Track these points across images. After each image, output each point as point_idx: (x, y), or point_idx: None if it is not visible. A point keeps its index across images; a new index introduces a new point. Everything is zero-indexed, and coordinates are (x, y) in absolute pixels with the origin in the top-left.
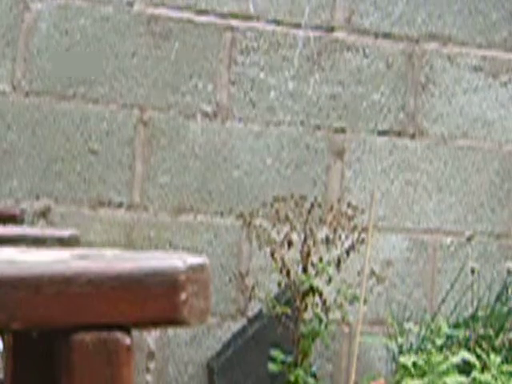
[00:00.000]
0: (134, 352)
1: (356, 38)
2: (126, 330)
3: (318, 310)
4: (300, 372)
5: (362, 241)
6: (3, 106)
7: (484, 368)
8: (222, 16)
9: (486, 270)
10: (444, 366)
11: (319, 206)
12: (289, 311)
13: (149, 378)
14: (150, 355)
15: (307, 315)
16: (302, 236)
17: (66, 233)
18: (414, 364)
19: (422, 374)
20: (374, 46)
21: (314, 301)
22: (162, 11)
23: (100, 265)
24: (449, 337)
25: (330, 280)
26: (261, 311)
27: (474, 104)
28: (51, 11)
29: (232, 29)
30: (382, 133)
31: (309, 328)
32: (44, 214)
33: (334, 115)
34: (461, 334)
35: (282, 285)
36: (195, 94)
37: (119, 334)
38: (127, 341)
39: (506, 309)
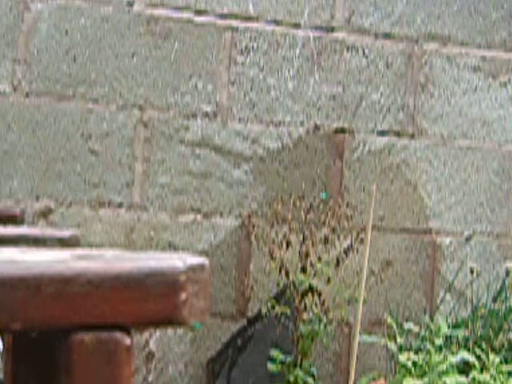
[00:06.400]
0: (134, 352)
1: (356, 38)
2: (126, 330)
3: (318, 310)
4: (299, 372)
5: (361, 241)
6: (3, 107)
7: (483, 368)
8: (222, 16)
9: (485, 269)
10: (443, 366)
11: (318, 206)
12: (288, 311)
13: (149, 378)
14: (150, 355)
15: (306, 315)
16: (301, 236)
17: (66, 233)
18: (414, 364)
19: (422, 374)
20: (374, 46)
21: (313, 301)
22: (161, 11)
23: (100, 265)
24: (448, 337)
25: (329, 280)
26: (260, 311)
27: (473, 104)
28: (51, 11)
29: (232, 29)
30: (382, 133)
31: (308, 328)
32: (44, 214)
33: (333, 115)
34: (460, 334)
35: (281, 285)
36: (195, 94)
37: (119, 335)
38: (127, 341)
39: (504, 309)
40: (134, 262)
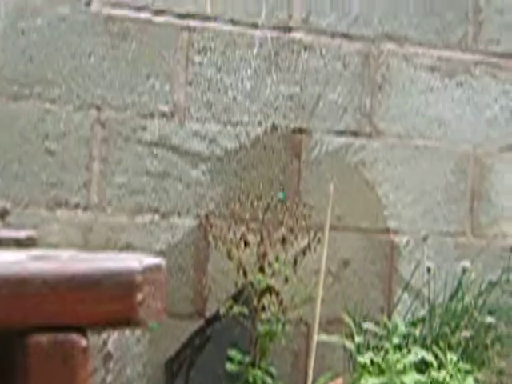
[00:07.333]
0: (92, 353)
1: (313, 39)
2: (82, 331)
3: (276, 310)
4: (258, 372)
5: (319, 240)
6: None
7: (440, 366)
8: (179, 16)
9: (441, 268)
10: (401, 365)
11: (276, 206)
12: (246, 311)
13: (107, 379)
14: (108, 356)
15: (265, 315)
16: (259, 236)
17: (22, 234)
18: (372, 363)
19: (380, 373)
20: (331, 47)
21: (271, 301)
22: (119, 11)
23: (56, 266)
24: (405, 335)
25: (286, 280)
26: (218, 311)
27: (430, 104)
28: (7, 11)
29: (189, 29)
30: (339, 133)
31: (266, 328)
32: (1, 215)
33: (291, 115)
34: (417, 332)
35: (240, 285)
36: (152, 94)
37: (75, 336)
38: (83, 342)
39: (461, 307)
40: (90, 263)
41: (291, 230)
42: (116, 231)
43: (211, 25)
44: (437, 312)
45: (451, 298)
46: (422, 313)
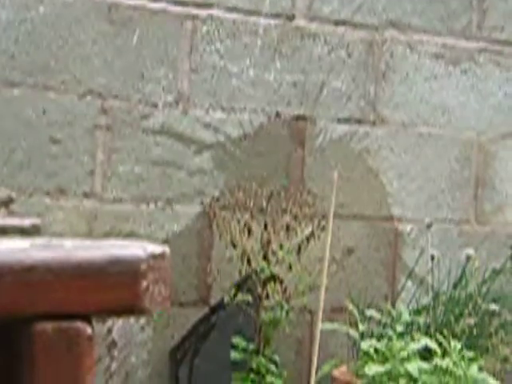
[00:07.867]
0: (96, 341)
1: (317, 26)
2: (87, 319)
3: (280, 298)
4: (262, 359)
5: (323, 228)
6: None
7: (444, 354)
8: (183, 4)
9: (446, 256)
10: (405, 353)
11: (279, 193)
12: (250, 299)
13: (112, 366)
14: (113, 344)
15: (268, 303)
16: (263, 224)
17: (27, 222)
18: (376, 351)
19: (384, 361)
20: (335, 34)
21: (275, 288)
22: None
23: (60, 254)
24: (409, 323)
25: (290, 267)
26: (223, 299)
27: (434, 91)
28: None
29: (193, 17)
30: (343, 120)
31: (270, 316)
32: (6, 203)
33: (295, 103)
34: (421, 320)
35: (244, 273)
36: (156, 82)
37: (80, 324)
38: (88, 330)
39: (465, 295)
40: (95, 251)
41: (295, 218)
42: (120, 219)
43: (215, 12)
44: (441, 300)
45: (455, 285)
46: (426, 300)
